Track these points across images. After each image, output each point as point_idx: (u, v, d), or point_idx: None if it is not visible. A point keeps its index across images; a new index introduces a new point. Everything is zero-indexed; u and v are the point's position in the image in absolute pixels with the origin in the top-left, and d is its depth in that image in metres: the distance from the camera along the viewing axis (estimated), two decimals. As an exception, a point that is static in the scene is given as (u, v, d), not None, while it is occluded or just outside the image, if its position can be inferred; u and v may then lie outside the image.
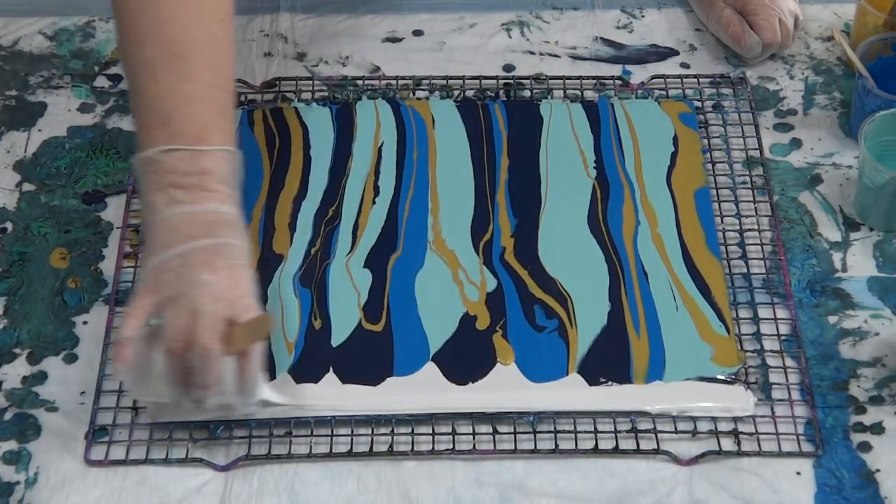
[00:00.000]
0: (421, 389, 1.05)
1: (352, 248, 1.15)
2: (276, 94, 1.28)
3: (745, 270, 1.14)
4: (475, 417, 1.04)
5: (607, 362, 1.07)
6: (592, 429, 1.03)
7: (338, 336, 1.09)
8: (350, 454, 1.02)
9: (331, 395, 1.05)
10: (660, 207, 1.18)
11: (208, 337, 0.95)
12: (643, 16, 1.37)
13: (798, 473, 1.01)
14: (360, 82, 1.29)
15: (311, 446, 1.03)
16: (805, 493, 1.00)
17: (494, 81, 1.30)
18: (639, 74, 1.31)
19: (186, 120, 1.01)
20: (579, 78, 1.30)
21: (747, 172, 1.21)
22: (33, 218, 1.19)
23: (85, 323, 1.11)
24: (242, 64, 1.31)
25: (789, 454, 1.02)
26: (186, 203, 0.99)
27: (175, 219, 0.99)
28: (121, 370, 0.98)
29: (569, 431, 1.03)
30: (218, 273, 0.97)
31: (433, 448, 1.03)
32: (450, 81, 1.29)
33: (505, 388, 1.05)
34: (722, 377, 1.06)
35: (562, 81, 1.29)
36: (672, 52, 1.33)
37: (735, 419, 1.04)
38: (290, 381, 1.05)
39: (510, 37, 1.35)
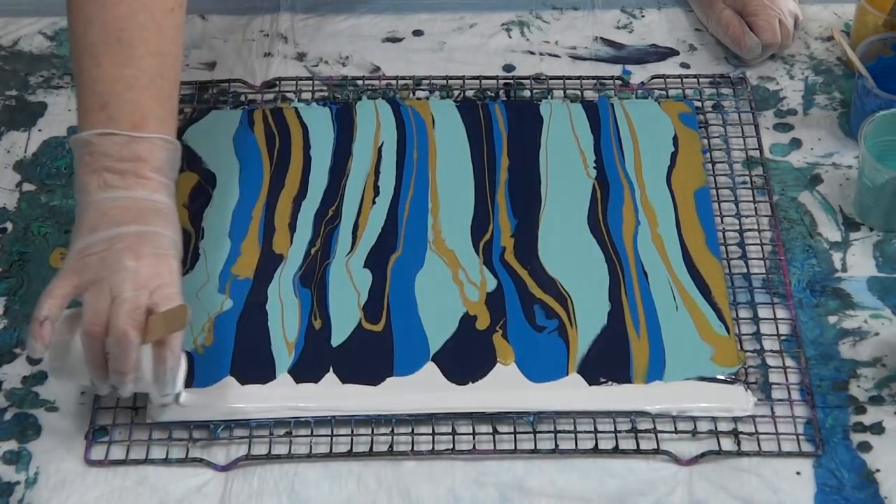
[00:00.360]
0: (421, 389, 1.05)
1: (352, 248, 1.15)
2: (276, 94, 1.28)
3: (745, 270, 1.14)
4: (475, 417, 1.04)
5: (607, 362, 1.07)
6: (592, 429, 1.03)
7: (338, 336, 1.09)
8: (350, 454, 1.02)
9: (331, 395, 1.05)
10: (660, 207, 1.18)
11: (126, 323, 0.95)
12: (643, 16, 1.37)
13: (798, 473, 1.01)
14: (360, 82, 1.29)
15: (311, 446, 1.03)
16: (805, 493, 1.00)
17: (494, 81, 1.30)
18: (639, 74, 1.31)
19: (124, 105, 1.02)
20: (579, 78, 1.30)
21: (747, 172, 1.21)
22: (33, 218, 1.19)
23: (85, 323, 1.11)
24: (242, 64, 1.32)
25: (789, 454, 1.02)
26: (119, 188, 1.00)
27: (105, 203, 1.00)
28: (38, 349, 0.97)
29: (569, 431, 1.03)
30: (142, 260, 0.98)
31: (433, 448, 1.03)
32: (450, 81, 1.29)
33: (505, 388, 1.05)
34: (722, 377, 1.06)
35: (562, 81, 1.29)
36: (672, 52, 1.33)
37: (735, 419, 1.04)
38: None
39: (510, 37, 1.35)
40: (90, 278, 0.97)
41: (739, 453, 1.02)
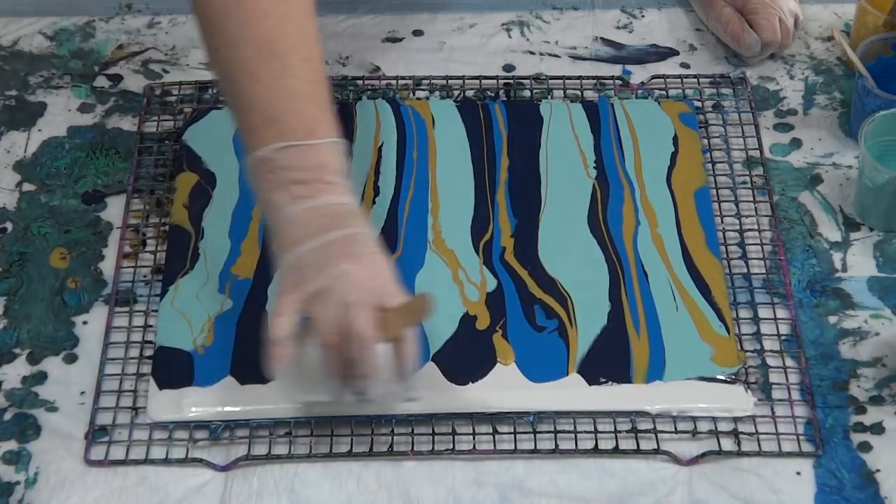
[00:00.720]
0: (421, 389, 1.05)
1: (352, 248, 1.15)
2: (276, 94, 1.28)
3: (745, 270, 1.14)
4: (475, 417, 1.04)
5: (607, 362, 1.07)
6: (592, 429, 1.03)
7: (338, 336, 1.09)
8: (350, 454, 1.02)
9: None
10: (660, 207, 1.18)
11: (364, 325, 0.95)
12: (643, 16, 1.37)
13: (798, 473, 1.01)
14: (360, 82, 1.29)
15: (311, 446, 1.03)
16: (805, 493, 1.00)
17: (494, 81, 1.30)
18: (639, 74, 1.31)
19: (293, 116, 1.00)
20: (579, 78, 1.30)
21: (747, 172, 1.21)
22: (33, 218, 1.19)
23: (85, 323, 1.11)
24: (242, 64, 1.31)
25: (789, 454, 1.02)
26: (309, 198, 0.99)
27: (301, 215, 0.99)
28: (280, 370, 0.97)
29: (569, 431, 1.03)
30: (358, 262, 0.97)
31: (433, 448, 1.03)
32: (450, 81, 1.29)
33: (505, 388, 1.05)
34: (722, 377, 1.06)
35: (562, 81, 1.29)
36: (672, 52, 1.33)
37: (735, 419, 1.04)
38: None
39: (510, 37, 1.35)
40: (313, 290, 0.97)
41: (740, 453, 1.02)
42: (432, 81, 1.29)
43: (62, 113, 1.27)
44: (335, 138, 1.02)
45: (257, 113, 1.01)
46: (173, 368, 1.06)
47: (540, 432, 1.03)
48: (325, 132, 1.01)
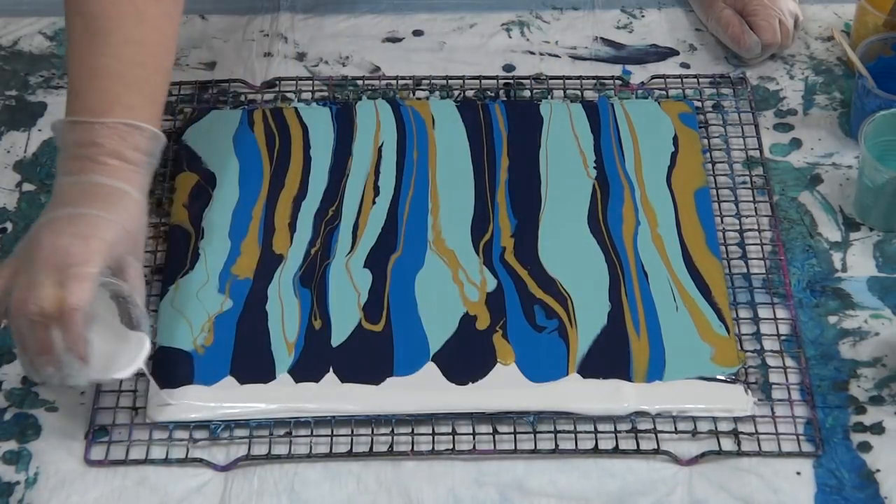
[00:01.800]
0: (421, 389, 1.05)
1: (352, 248, 1.15)
2: (276, 94, 1.28)
3: (745, 270, 1.14)
4: (475, 417, 1.04)
5: (607, 362, 1.07)
6: (592, 429, 1.03)
7: (338, 336, 1.09)
8: (350, 454, 1.02)
9: (331, 395, 1.05)
10: (660, 207, 1.18)
11: (32, 304, 0.95)
12: (643, 16, 1.37)
13: (798, 473, 1.01)
14: (360, 82, 1.29)
15: (311, 446, 1.03)
16: (805, 493, 1.00)
17: (494, 81, 1.30)
18: (639, 74, 1.31)
19: (93, 94, 1.03)
20: (579, 78, 1.30)
21: (747, 172, 1.21)
22: (33, 218, 1.18)
23: (85, 323, 1.11)
24: (242, 64, 1.32)
25: (789, 454, 1.02)
26: (74, 174, 1.01)
27: (61, 188, 1.01)
28: None
29: (569, 431, 1.03)
30: (59, 241, 0.97)
31: (433, 448, 1.03)
32: (450, 81, 1.29)
33: (505, 388, 1.05)
34: (722, 377, 1.06)
35: (562, 81, 1.29)
36: (672, 52, 1.33)
37: (735, 419, 1.04)
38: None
39: (510, 37, 1.35)
40: (20, 264, 0.98)
41: (739, 453, 1.02)
42: (432, 81, 1.29)
43: (62, 113, 1.26)
44: (135, 121, 1.02)
45: (70, 85, 1.04)
46: (173, 368, 1.06)
47: (540, 432, 1.03)
48: (120, 113, 1.02)
